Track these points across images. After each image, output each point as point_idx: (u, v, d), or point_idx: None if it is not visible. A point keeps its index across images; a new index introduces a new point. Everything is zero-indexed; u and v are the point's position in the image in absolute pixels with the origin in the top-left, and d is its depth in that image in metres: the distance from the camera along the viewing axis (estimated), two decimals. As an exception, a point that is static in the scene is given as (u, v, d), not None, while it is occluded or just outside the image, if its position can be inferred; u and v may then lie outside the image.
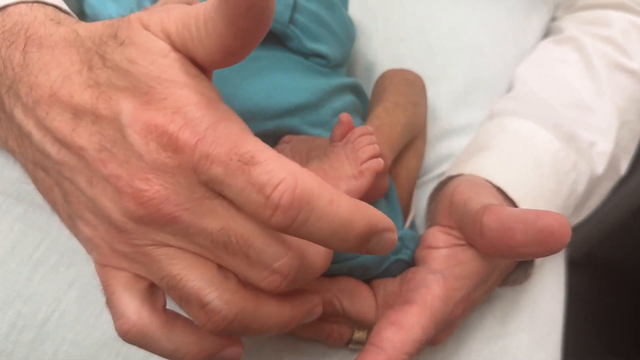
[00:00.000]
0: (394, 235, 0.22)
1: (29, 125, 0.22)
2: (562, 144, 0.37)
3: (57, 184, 0.23)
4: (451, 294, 0.29)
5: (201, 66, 0.22)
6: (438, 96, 0.40)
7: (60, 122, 0.21)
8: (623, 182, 0.45)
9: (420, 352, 0.29)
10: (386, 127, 0.31)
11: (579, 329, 0.46)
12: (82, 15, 0.39)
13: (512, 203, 0.33)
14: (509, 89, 0.43)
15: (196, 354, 0.23)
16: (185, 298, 0.21)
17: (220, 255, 0.21)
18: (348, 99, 0.33)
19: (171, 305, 0.24)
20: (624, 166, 0.42)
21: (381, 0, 0.40)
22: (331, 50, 0.32)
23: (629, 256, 1.09)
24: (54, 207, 0.24)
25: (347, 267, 0.30)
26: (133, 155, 0.20)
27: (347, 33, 0.34)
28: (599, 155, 0.39)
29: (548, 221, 0.25)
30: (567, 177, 0.36)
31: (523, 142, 0.36)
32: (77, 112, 0.21)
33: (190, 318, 0.22)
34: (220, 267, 0.22)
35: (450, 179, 0.35)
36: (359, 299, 0.31)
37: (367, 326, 0.31)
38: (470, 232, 0.29)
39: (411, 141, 0.35)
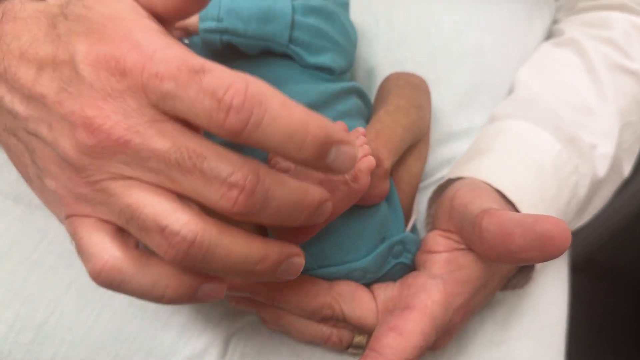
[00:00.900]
0: (355, 150, 0.22)
1: (2, 90, 0.23)
2: (563, 146, 0.36)
3: (25, 146, 0.23)
4: (451, 299, 0.29)
5: (162, 18, 0.23)
6: (440, 100, 0.39)
7: (26, 78, 0.22)
8: (624, 185, 0.45)
9: (420, 357, 0.29)
10: (387, 129, 0.31)
11: (579, 333, 0.45)
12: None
13: (512, 206, 0.33)
14: (510, 91, 0.42)
15: (176, 287, 0.22)
16: (143, 226, 0.21)
17: (176, 178, 0.21)
18: (352, 101, 0.33)
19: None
20: (627, 168, 0.42)
21: (383, 3, 0.40)
22: (335, 61, 0.32)
23: (630, 260, 1.09)
24: (26, 176, 0.24)
25: (346, 270, 0.30)
26: (85, 87, 0.21)
27: (348, 40, 0.34)
28: (601, 157, 0.39)
29: (547, 226, 0.25)
30: (569, 180, 0.36)
31: (524, 144, 0.36)
32: (41, 65, 0.22)
33: (153, 250, 0.21)
34: (180, 197, 0.21)
35: (450, 182, 0.35)
36: (359, 303, 0.30)
37: (368, 330, 0.31)
38: (470, 236, 0.29)
39: (414, 145, 0.34)
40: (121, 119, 0.20)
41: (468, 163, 0.36)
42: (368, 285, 0.32)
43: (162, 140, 0.20)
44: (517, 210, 0.33)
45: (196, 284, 0.22)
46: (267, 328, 0.33)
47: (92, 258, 0.21)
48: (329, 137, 0.21)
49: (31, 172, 0.24)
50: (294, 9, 0.30)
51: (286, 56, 0.31)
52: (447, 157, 0.40)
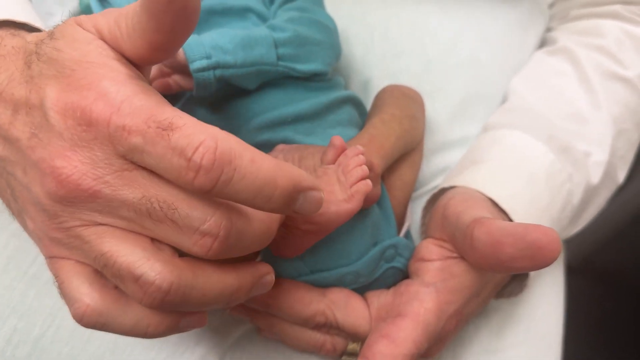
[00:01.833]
0: (320, 194, 0.22)
1: None
2: (556, 155, 0.37)
3: (7, 183, 0.23)
4: (444, 307, 0.30)
5: (134, 63, 0.23)
6: (435, 110, 0.40)
7: (3, 119, 0.22)
8: (620, 189, 0.45)
9: None
10: (380, 136, 0.31)
11: (576, 335, 0.46)
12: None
13: (505, 215, 0.33)
14: (504, 101, 0.43)
15: (157, 324, 0.22)
16: (118, 274, 0.21)
17: (147, 226, 0.21)
18: (347, 111, 0.34)
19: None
20: (621, 175, 0.42)
21: (379, 15, 0.40)
22: (325, 61, 0.33)
23: (627, 262, 1.09)
24: (11, 210, 0.24)
25: (339, 274, 0.30)
26: (53, 135, 0.21)
27: (329, 32, 0.34)
28: (595, 165, 0.39)
29: (537, 235, 0.25)
30: (562, 189, 0.36)
31: (517, 154, 0.37)
32: (16, 107, 0.22)
33: (130, 296, 0.22)
34: (153, 240, 0.22)
35: (443, 191, 0.35)
36: (352, 311, 0.31)
37: (361, 338, 0.31)
38: (462, 245, 0.29)
39: (407, 153, 0.35)
40: (89, 170, 0.20)
41: (462, 172, 0.36)
42: (361, 290, 0.32)
43: (132, 190, 0.20)
44: (510, 219, 0.33)
45: (177, 319, 0.23)
46: (262, 339, 0.34)
47: (75, 303, 0.22)
48: (297, 187, 0.21)
49: (13, 207, 0.24)
50: (272, 28, 0.31)
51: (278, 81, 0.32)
52: (441, 167, 0.40)
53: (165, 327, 0.23)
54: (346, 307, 0.31)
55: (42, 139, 0.21)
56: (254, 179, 0.20)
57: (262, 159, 0.20)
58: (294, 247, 0.28)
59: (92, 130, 0.20)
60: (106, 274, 0.21)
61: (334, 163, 0.28)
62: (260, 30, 0.31)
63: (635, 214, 1.01)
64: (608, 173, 0.40)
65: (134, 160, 0.20)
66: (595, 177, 0.39)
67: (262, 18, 0.33)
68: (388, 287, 0.32)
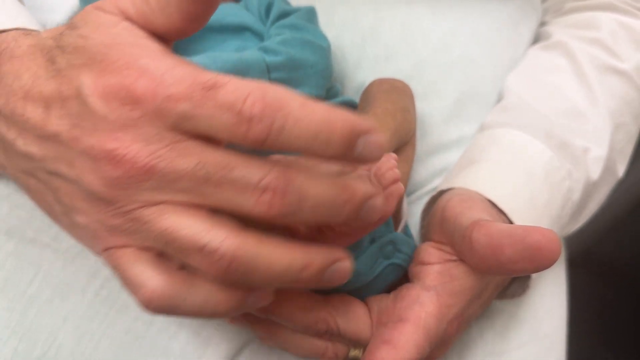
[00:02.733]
0: (382, 138, 0.21)
1: (11, 133, 0.23)
2: (554, 153, 0.37)
3: (47, 186, 0.23)
4: (445, 310, 0.30)
5: (162, 37, 0.23)
6: (429, 111, 0.39)
7: (36, 118, 0.22)
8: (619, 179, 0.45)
9: None
10: None
11: (577, 328, 0.46)
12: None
13: (505, 215, 0.33)
14: (500, 99, 0.42)
15: (226, 302, 0.22)
16: (181, 248, 0.21)
17: (207, 192, 0.21)
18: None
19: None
20: (621, 169, 0.42)
21: (370, 19, 0.40)
22: (318, 85, 0.33)
23: (626, 253, 1.09)
24: (52, 215, 0.24)
25: None
26: (98, 120, 0.21)
27: (322, 52, 0.34)
28: (594, 160, 0.39)
29: (537, 237, 0.25)
30: (561, 186, 0.36)
31: (514, 153, 0.36)
32: (47, 103, 0.22)
33: (197, 269, 0.21)
34: (214, 213, 0.21)
35: (441, 193, 0.35)
36: (353, 317, 0.31)
37: (363, 344, 0.31)
38: (461, 247, 0.29)
39: (400, 148, 0.35)
40: (142, 147, 0.20)
41: (459, 174, 0.36)
42: (363, 290, 0.32)
43: (187, 159, 0.20)
44: (509, 219, 0.33)
45: (244, 295, 0.23)
46: (266, 349, 0.33)
47: (140, 289, 0.21)
48: (355, 129, 0.20)
49: (57, 210, 0.24)
50: (265, 51, 0.30)
51: None
52: (438, 168, 0.40)
53: (234, 303, 0.22)
54: (347, 314, 0.30)
55: (86, 127, 0.21)
56: (308, 123, 0.19)
57: (313, 103, 0.20)
58: (345, 234, 0.26)
59: (138, 107, 0.20)
60: (169, 252, 0.21)
61: (367, 168, 0.28)
62: (253, 54, 0.30)
63: (633, 204, 1.01)
64: (608, 168, 0.40)
65: (185, 130, 0.20)
66: (595, 172, 0.39)
67: (258, 35, 0.33)
68: (389, 284, 0.32)
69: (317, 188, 0.21)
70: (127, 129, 0.20)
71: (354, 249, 0.30)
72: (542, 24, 0.48)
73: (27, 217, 0.32)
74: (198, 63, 0.29)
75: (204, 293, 0.22)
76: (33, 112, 0.22)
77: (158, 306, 0.21)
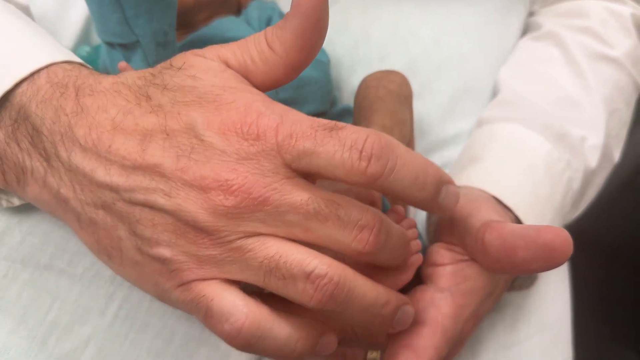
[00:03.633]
0: (458, 190, 0.24)
1: (91, 164, 0.24)
2: (553, 144, 0.37)
3: (122, 219, 0.24)
4: (461, 311, 0.30)
5: (257, 88, 0.25)
6: (425, 110, 0.40)
7: (127, 149, 0.23)
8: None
9: None
10: None
11: (579, 310, 0.47)
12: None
13: (510, 211, 0.34)
14: (495, 93, 0.43)
15: (306, 338, 0.23)
16: (288, 274, 0.22)
17: (312, 227, 0.22)
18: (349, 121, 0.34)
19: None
20: (616, 154, 0.43)
21: (360, 21, 0.40)
22: (323, 101, 0.33)
23: (618, 231, 1.11)
24: (112, 251, 0.25)
25: None
26: (214, 154, 0.22)
27: (323, 67, 0.34)
28: (591, 149, 0.40)
29: (550, 237, 0.26)
30: (562, 177, 0.37)
31: (514, 148, 0.37)
32: (145, 136, 0.23)
33: (295, 300, 0.23)
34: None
35: None
36: None
37: (380, 346, 0.32)
38: (473, 249, 0.30)
39: None
40: (258, 179, 0.22)
41: (462, 172, 0.37)
42: None
43: (300, 193, 0.22)
44: (514, 215, 0.34)
45: (318, 335, 0.24)
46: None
47: (230, 317, 0.22)
48: (442, 177, 0.23)
49: (126, 245, 0.24)
50: None
51: None
52: (439, 164, 0.41)
53: (310, 343, 0.24)
54: None
55: (198, 159, 0.22)
56: (412, 167, 0.22)
57: (412, 151, 0.22)
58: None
59: (259, 143, 0.22)
60: (270, 279, 0.22)
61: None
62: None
63: (624, 183, 1.03)
64: (604, 155, 0.41)
65: (299, 167, 0.22)
66: (593, 160, 0.40)
67: None
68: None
69: (397, 230, 0.24)
70: (244, 163, 0.22)
71: None
72: (531, 14, 0.49)
73: (39, 243, 0.32)
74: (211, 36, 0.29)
75: (290, 327, 0.23)
76: (124, 144, 0.23)
77: (247, 336, 0.22)
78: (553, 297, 0.41)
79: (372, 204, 0.28)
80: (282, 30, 0.24)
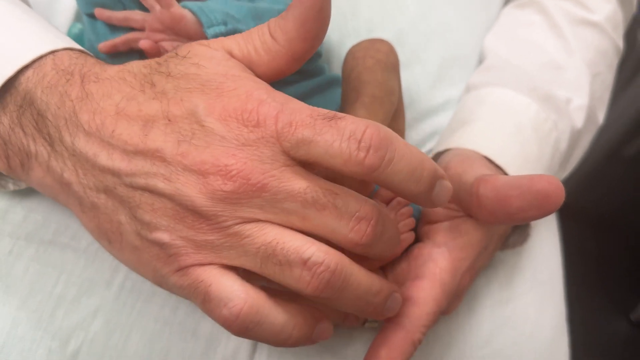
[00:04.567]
0: (450, 186, 0.25)
1: (94, 148, 0.24)
2: (539, 105, 0.39)
3: (122, 203, 0.24)
4: (458, 264, 0.32)
5: (260, 78, 0.25)
6: (414, 79, 0.41)
7: (130, 134, 0.23)
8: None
9: (435, 323, 0.31)
10: None
11: (571, 279, 0.48)
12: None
13: (501, 170, 0.35)
14: (481, 60, 0.44)
15: (303, 325, 0.24)
16: (285, 261, 0.22)
17: (309, 215, 0.23)
18: (335, 92, 0.35)
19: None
20: (600, 116, 0.44)
21: None
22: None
23: (605, 202, 1.13)
24: (112, 236, 0.25)
25: None
26: (214, 139, 0.22)
27: None
28: (577, 110, 0.41)
29: (542, 185, 0.27)
30: (549, 137, 0.38)
31: (502, 110, 0.38)
32: (147, 121, 0.23)
33: (291, 287, 0.23)
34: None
35: (438, 155, 0.37)
36: None
37: None
38: (468, 204, 0.31)
39: (389, 124, 0.36)
40: (258, 165, 0.22)
41: (453, 135, 0.38)
42: None
43: (299, 181, 0.22)
44: (505, 174, 0.35)
45: (315, 323, 0.25)
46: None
47: (229, 302, 0.22)
48: (436, 172, 0.24)
49: (126, 229, 0.24)
50: (272, 2, 0.32)
51: None
52: (429, 132, 0.42)
53: (307, 330, 0.24)
54: None
55: (198, 144, 0.22)
56: (410, 159, 0.22)
57: (410, 144, 0.23)
58: None
59: (258, 130, 0.22)
60: (267, 266, 0.23)
61: (386, 203, 0.31)
62: (262, 3, 0.31)
63: (609, 154, 1.05)
64: (589, 116, 0.42)
65: (297, 156, 0.22)
66: (579, 121, 0.41)
67: None
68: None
69: (391, 223, 0.24)
70: (244, 148, 0.22)
71: None
72: (513, -17, 0.50)
73: (43, 220, 0.33)
74: (217, 5, 0.30)
75: (287, 313, 0.24)
76: (126, 129, 0.23)
77: (245, 321, 0.23)
78: (545, 255, 0.42)
79: (366, 189, 0.29)
80: (284, 21, 0.24)
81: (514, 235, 0.38)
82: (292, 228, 0.23)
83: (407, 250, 0.34)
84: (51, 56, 0.27)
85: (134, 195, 0.24)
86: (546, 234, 0.44)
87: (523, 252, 0.41)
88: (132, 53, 0.33)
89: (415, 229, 0.34)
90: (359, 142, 0.21)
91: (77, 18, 0.37)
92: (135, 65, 0.25)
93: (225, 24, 0.29)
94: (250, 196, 0.22)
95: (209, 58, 0.24)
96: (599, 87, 0.43)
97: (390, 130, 0.22)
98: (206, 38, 0.30)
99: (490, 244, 0.34)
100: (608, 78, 0.45)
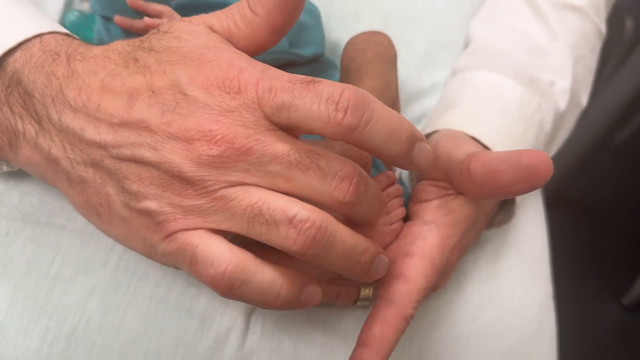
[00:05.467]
0: (430, 148, 0.25)
1: (80, 123, 0.25)
2: (524, 88, 0.40)
3: (110, 175, 0.25)
4: (446, 241, 0.33)
5: (241, 50, 0.26)
6: (402, 63, 0.42)
7: (115, 107, 0.24)
8: (581, 118, 0.48)
9: (425, 299, 0.32)
10: None
11: (558, 264, 0.50)
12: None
13: (487, 150, 0.36)
14: (466, 44, 0.45)
15: (291, 285, 0.25)
16: (271, 220, 0.23)
17: (293, 177, 0.23)
18: (332, 74, 0.36)
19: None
20: (584, 98, 0.46)
21: None
22: (321, 44, 0.36)
23: (592, 191, 1.15)
24: (101, 209, 0.26)
25: None
26: (198, 107, 0.23)
27: (315, 16, 0.36)
28: (560, 92, 0.42)
29: (531, 159, 0.28)
30: (534, 118, 0.39)
31: (488, 92, 0.39)
32: (132, 94, 0.24)
33: (278, 245, 0.24)
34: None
35: (426, 137, 0.38)
36: None
37: (372, 284, 0.34)
38: (458, 179, 0.32)
39: None
40: (241, 130, 0.23)
41: (440, 117, 0.39)
42: None
43: (282, 144, 0.23)
44: None
45: (303, 284, 0.26)
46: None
47: (214, 261, 0.23)
48: (415, 134, 0.24)
49: (114, 201, 0.25)
50: None
51: None
52: (417, 114, 0.43)
53: (295, 291, 0.25)
54: None
55: (182, 113, 0.23)
56: (388, 121, 0.23)
57: (387, 107, 0.24)
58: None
59: (240, 96, 0.23)
60: (254, 226, 0.23)
61: (382, 190, 0.32)
62: None
63: (598, 143, 1.07)
64: (572, 98, 0.43)
65: (278, 120, 0.23)
66: (562, 103, 0.42)
67: None
68: None
69: (373, 183, 0.25)
70: (227, 115, 0.23)
71: None
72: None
73: (38, 202, 0.33)
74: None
75: (273, 272, 0.24)
76: (111, 103, 0.24)
77: (230, 279, 0.23)
78: (531, 234, 0.43)
79: (364, 165, 0.30)
80: None
81: (500, 214, 0.39)
82: (277, 190, 0.24)
83: None
84: (38, 39, 0.28)
85: (121, 167, 0.24)
86: (532, 214, 0.45)
87: (509, 230, 0.42)
88: None
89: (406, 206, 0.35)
90: (337, 103, 0.22)
91: (67, 7, 0.37)
92: (119, 44, 0.26)
93: None
94: (235, 160, 0.23)
95: (190, 32, 0.25)
96: (582, 70, 0.44)
97: (367, 93, 0.23)
98: None
99: (477, 221, 0.35)
100: (591, 61, 0.46)
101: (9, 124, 0.27)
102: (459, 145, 0.34)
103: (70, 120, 0.25)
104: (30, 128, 0.27)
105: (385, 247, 0.33)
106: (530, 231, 0.44)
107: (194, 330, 0.34)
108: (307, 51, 0.35)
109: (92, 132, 0.25)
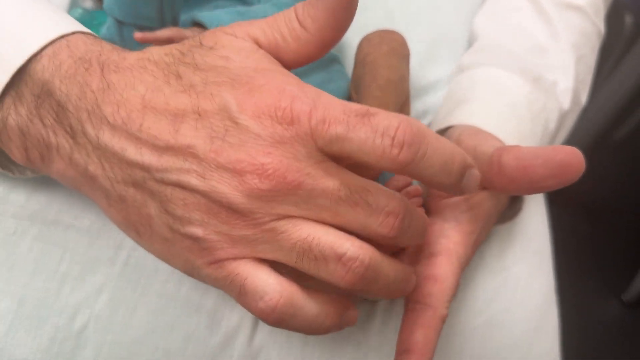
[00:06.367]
0: (478, 173, 0.26)
1: (121, 142, 0.24)
2: (531, 86, 0.40)
3: (152, 197, 0.24)
4: (468, 237, 0.33)
5: (286, 65, 0.26)
6: None
7: (159, 129, 0.23)
8: (580, 116, 0.49)
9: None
10: (382, 106, 0.34)
11: (559, 261, 0.50)
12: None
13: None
14: (471, 41, 0.46)
15: (334, 314, 0.25)
16: (320, 256, 0.23)
17: (341, 211, 0.23)
18: (337, 68, 0.36)
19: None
20: (584, 98, 0.46)
21: None
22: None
23: (591, 189, 1.15)
24: (141, 228, 0.25)
25: None
26: (249, 137, 0.23)
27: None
28: (563, 92, 0.43)
29: (564, 155, 0.28)
30: (540, 117, 0.40)
31: (497, 89, 0.40)
32: (176, 116, 0.23)
33: (326, 280, 0.24)
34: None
35: (440, 133, 0.38)
36: None
37: None
38: (486, 173, 0.31)
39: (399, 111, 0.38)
40: (293, 163, 0.23)
41: (450, 115, 0.39)
42: None
43: (331, 179, 0.23)
44: None
45: (344, 310, 0.26)
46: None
47: (265, 295, 0.23)
48: (466, 162, 0.25)
49: (156, 222, 0.24)
50: (279, 7, 0.34)
51: None
52: (421, 110, 0.44)
53: (337, 318, 0.25)
54: None
55: (233, 142, 0.23)
56: (441, 154, 0.23)
57: (442, 137, 0.24)
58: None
59: (293, 127, 0.22)
60: (303, 260, 0.23)
61: (399, 190, 0.33)
62: (266, 11, 0.33)
63: (598, 140, 1.07)
64: (574, 98, 0.44)
65: (331, 152, 0.23)
66: (566, 103, 0.43)
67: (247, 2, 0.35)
68: None
69: (417, 215, 0.25)
70: (279, 146, 0.22)
71: None
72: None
73: (46, 201, 0.34)
74: (225, 16, 0.31)
75: (319, 304, 0.24)
76: (155, 123, 0.23)
77: (280, 313, 0.23)
78: (534, 229, 0.44)
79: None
80: (314, 9, 0.24)
81: (508, 210, 0.40)
82: (323, 223, 0.24)
83: None
84: (64, 42, 0.26)
85: (165, 190, 0.24)
86: (535, 210, 0.46)
87: (514, 225, 0.42)
88: None
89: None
90: (393, 138, 0.22)
91: (73, 4, 0.38)
92: (156, 52, 0.25)
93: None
94: (286, 194, 0.23)
95: (238, 50, 0.24)
96: (582, 69, 0.45)
97: (422, 125, 0.23)
98: None
99: (493, 216, 0.35)
100: (591, 61, 0.47)
101: (40, 137, 0.26)
102: (485, 139, 0.34)
103: (109, 138, 0.24)
104: (64, 142, 0.25)
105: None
106: (533, 225, 0.44)
107: (203, 326, 0.34)
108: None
109: (133, 153, 0.24)
